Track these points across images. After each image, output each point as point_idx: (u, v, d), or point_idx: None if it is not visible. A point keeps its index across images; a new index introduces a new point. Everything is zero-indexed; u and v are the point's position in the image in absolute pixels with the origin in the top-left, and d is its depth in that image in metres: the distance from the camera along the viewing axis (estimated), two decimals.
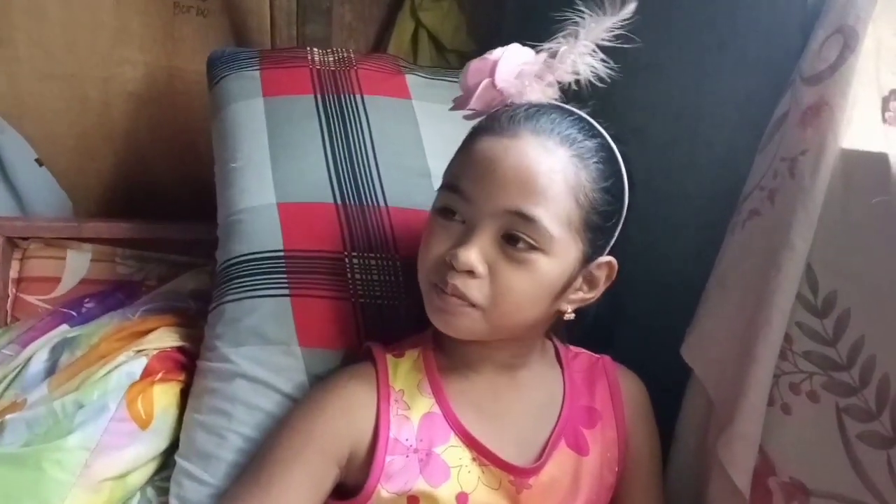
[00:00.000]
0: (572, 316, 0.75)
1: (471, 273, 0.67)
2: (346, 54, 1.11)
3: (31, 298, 1.18)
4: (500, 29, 1.55)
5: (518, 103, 0.72)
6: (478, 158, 0.69)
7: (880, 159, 0.66)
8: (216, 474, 0.81)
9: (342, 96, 1.04)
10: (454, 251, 0.67)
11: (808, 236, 0.70)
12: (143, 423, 0.86)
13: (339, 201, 0.95)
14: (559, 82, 0.73)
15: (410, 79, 1.10)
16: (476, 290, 0.68)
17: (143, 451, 0.86)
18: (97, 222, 1.23)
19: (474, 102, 0.72)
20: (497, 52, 0.72)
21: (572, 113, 0.72)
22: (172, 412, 0.89)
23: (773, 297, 0.72)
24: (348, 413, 0.74)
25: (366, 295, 0.89)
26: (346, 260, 0.91)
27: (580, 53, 0.70)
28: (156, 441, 0.87)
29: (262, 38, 1.47)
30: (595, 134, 0.71)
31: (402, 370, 0.77)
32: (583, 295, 0.74)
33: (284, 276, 0.89)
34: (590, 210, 0.69)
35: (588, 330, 0.83)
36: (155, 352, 0.93)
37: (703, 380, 0.81)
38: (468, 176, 0.69)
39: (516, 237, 0.67)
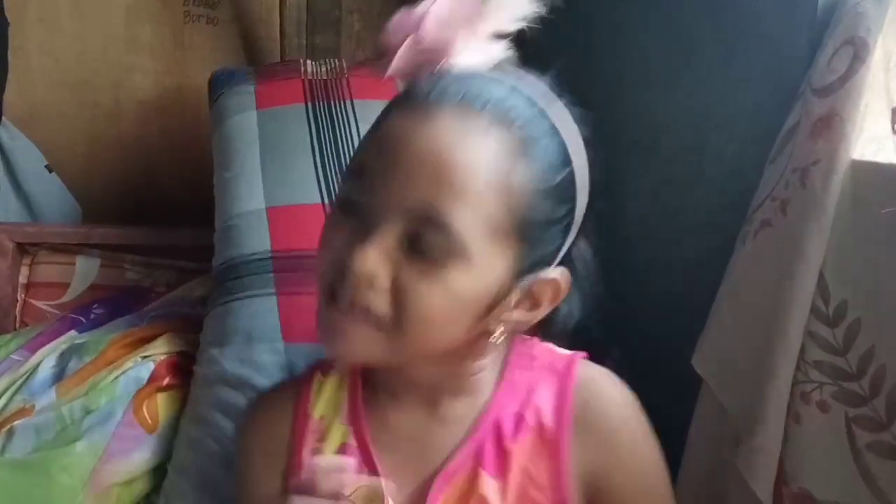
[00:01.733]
0: (500, 339, 0.59)
1: (369, 281, 0.52)
2: (338, 64, 1.13)
3: (40, 304, 1.19)
4: None
5: (449, 67, 0.55)
6: (384, 138, 0.54)
7: (890, 170, 0.67)
8: (192, 481, 0.82)
9: (332, 102, 1.07)
10: (350, 252, 0.52)
11: (821, 246, 0.70)
12: (150, 429, 0.87)
13: (326, 200, 0.97)
14: (506, 36, 0.56)
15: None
16: (376, 299, 0.52)
17: (149, 456, 0.86)
18: (106, 228, 1.24)
19: (395, 64, 0.56)
20: (427, 2, 0.55)
21: (517, 82, 0.55)
22: (178, 418, 0.89)
23: (788, 308, 0.71)
24: (269, 454, 0.65)
25: None
26: None
27: None
28: (162, 446, 0.88)
29: (271, 47, 1.48)
30: (543, 113, 0.54)
31: (327, 392, 0.66)
32: (519, 316, 0.58)
33: (271, 275, 0.91)
34: (524, 216, 0.53)
35: (569, 338, 0.69)
36: (162, 357, 0.94)
37: (717, 391, 0.80)
38: (372, 160, 0.54)
39: (423, 242, 0.51)
